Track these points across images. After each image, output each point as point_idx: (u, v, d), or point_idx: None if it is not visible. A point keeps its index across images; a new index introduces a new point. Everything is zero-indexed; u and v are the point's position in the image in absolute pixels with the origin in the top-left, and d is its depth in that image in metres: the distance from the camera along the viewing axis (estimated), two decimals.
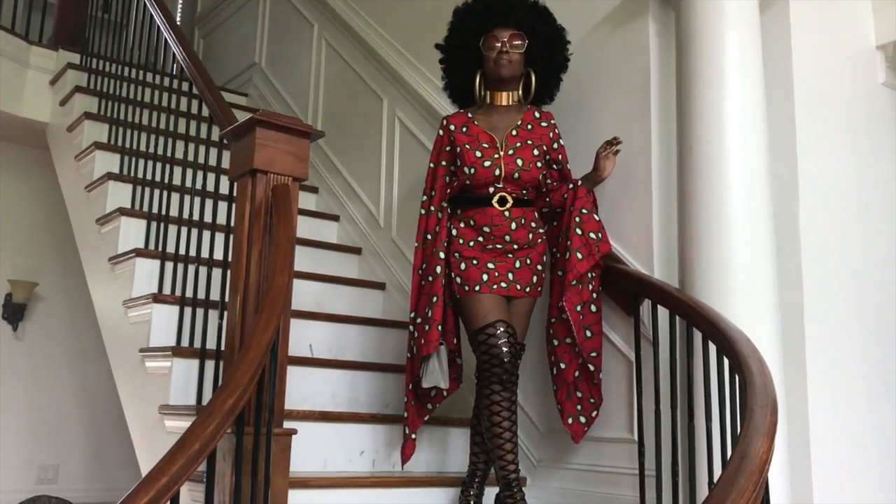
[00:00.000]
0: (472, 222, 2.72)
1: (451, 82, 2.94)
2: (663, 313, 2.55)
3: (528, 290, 2.72)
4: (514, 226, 2.71)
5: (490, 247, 2.70)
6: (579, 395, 2.70)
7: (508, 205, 2.71)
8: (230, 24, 5.99)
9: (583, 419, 2.69)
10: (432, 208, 2.79)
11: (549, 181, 2.83)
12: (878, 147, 3.02)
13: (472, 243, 2.71)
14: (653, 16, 2.87)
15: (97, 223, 3.66)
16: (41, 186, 5.36)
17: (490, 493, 2.76)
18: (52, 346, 5.39)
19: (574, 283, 2.63)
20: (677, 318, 2.47)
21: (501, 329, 2.60)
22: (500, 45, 2.72)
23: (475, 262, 2.69)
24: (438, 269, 2.70)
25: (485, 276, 2.67)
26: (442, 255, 2.72)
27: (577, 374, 2.68)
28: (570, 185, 2.77)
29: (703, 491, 2.33)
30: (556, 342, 2.71)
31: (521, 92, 2.82)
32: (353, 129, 4.38)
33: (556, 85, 2.91)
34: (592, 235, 2.68)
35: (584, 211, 2.71)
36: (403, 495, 2.71)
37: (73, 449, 5.33)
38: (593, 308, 2.68)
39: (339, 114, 4.54)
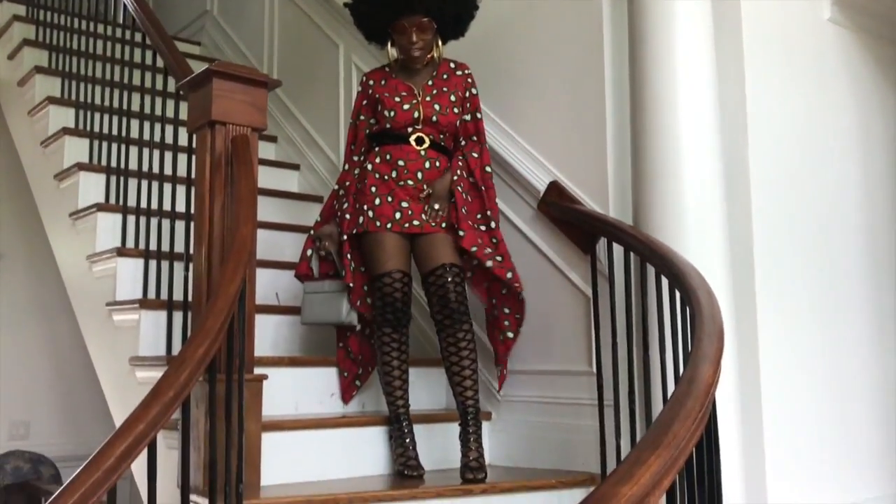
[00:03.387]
0: (388, 157, 2.81)
1: (364, 33, 2.97)
2: (618, 251, 2.64)
3: (444, 224, 2.78)
4: (427, 165, 2.80)
5: (402, 183, 2.78)
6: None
7: (425, 145, 2.81)
8: None
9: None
10: (352, 159, 2.92)
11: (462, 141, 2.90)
12: (826, 83, 3.10)
13: (385, 177, 2.79)
14: None
15: (55, 179, 3.64)
16: None
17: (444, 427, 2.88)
18: (16, 303, 5.36)
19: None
20: (632, 254, 2.56)
21: (397, 276, 2.75)
22: (408, 34, 2.76)
23: (390, 199, 2.77)
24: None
25: (398, 214, 2.76)
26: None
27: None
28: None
29: None
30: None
31: (433, 53, 2.86)
32: (309, 77, 4.37)
33: (465, 30, 2.94)
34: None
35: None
36: (375, 434, 2.81)
37: (43, 405, 5.35)
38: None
39: (296, 61, 4.51)
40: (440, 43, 2.87)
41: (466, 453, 2.68)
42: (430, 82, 2.86)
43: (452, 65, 2.92)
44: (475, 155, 2.83)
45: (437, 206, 2.77)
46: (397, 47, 2.84)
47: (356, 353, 2.96)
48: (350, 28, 4.02)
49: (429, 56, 2.85)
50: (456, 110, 2.85)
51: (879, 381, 3.11)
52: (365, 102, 2.91)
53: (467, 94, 2.90)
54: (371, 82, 2.91)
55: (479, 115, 2.92)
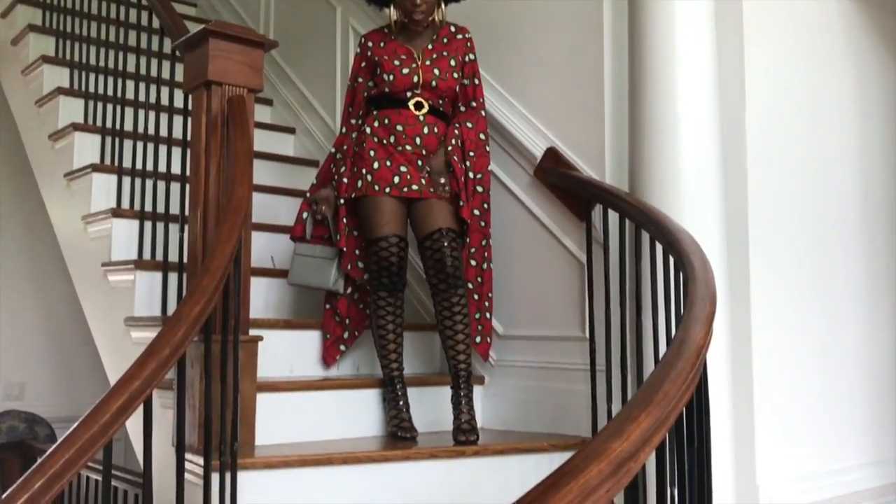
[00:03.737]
0: (386, 121, 2.80)
1: None
2: (614, 217, 2.64)
3: (442, 191, 2.78)
4: (426, 130, 2.79)
5: (400, 148, 2.77)
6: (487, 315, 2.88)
7: (424, 110, 2.80)
8: None
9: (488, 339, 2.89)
10: (350, 122, 2.91)
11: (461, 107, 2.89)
12: (826, 52, 3.09)
13: (384, 141, 2.79)
14: None
15: (50, 139, 3.62)
16: None
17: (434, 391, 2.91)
18: (10, 265, 5.35)
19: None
20: (627, 220, 2.57)
21: (394, 241, 2.75)
22: None
23: (388, 163, 2.77)
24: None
25: (396, 179, 2.75)
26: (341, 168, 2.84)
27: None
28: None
29: None
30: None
31: (434, 16, 2.83)
32: (306, 40, 4.34)
33: None
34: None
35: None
36: (368, 396, 2.83)
37: (37, 366, 5.36)
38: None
39: (292, 23, 4.48)
40: (443, 5, 2.85)
41: (458, 416, 2.71)
42: (429, 46, 2.84)
43: (453, 28, 2.90)
44: (469, 125, 2.81)
45: (441, 181, 2.76)
46: (399, 9, 2.81)
47: (343, 316, 2.96)
48: None
49: (430, 19, 2.83)
50: (455, 75, 2.83)
51: (869, 350, 3.14)
52: (363, 64, 2.89)
53: (466, 59, 2.88)
54: (370, 44, 2.88)
55: (476, 81, 2.90)
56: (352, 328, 2.99)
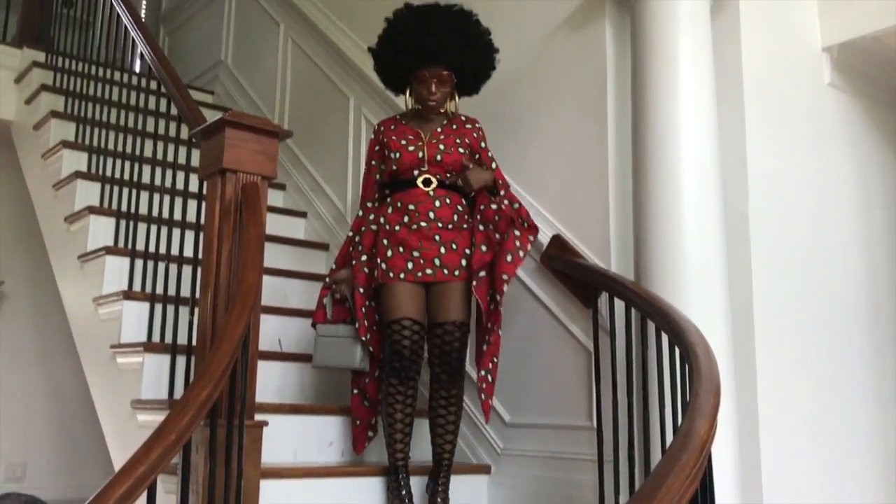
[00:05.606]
0: (398, 204, 2.85)
1: (382, 78, 3.04)
2: (620, 305, 2.66)
3: (457, 273, 2.80)
4: (437, 203, 2.83)
5: (415, 226, 2.81)
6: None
7: (433, 186, 2.85)
8: (196, 22, 6.01)
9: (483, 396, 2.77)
10: (366, 205, 2.98)
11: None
12: (826, 144, 3.16)
13: (397, 227, 2.83)
14: (609, 19, 2.98)
15: (66, 221, 3.69)
16: (7, 184, 5.35)
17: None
18: (18, 344, 5.38)
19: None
20: (633, 309, 2.58)
21: (406, 324, 2.75)
22: (427, 84, 2.84)
23: (401, 249, 2.80)
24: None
25: (410, 265, 2.78)
26: (353, 261, 2.90)
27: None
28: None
29: None
30: None
31: (447, 107, 2.95)
32: (320, 127, 4.44)
33: (480, 87, 3.01)
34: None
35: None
36: (373, 484, 2.80)
37: (41, 447, 5.33)
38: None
39: (306, 111, 4.60)
40: (456, 97, 2.95)
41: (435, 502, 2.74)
42: (438, 129, 2.92)
43: (463, 118, 2.99)
44: (493, 206, 2.84)
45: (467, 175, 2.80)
46: (414, 95, 2.91)
47: (373, 400, 2.94)
48: (360, 81, 4.13)
49: (442, 110, 2.93)
50: (461, 150, 2.88)
51: (878, 440, 3.10)
52: (377, 148, 2.98)
53: (481, 145, 2.95)
54: (382, 128, 2.98)
55: (494, 166, 2.96)
56: (377, 412, 2.96)
